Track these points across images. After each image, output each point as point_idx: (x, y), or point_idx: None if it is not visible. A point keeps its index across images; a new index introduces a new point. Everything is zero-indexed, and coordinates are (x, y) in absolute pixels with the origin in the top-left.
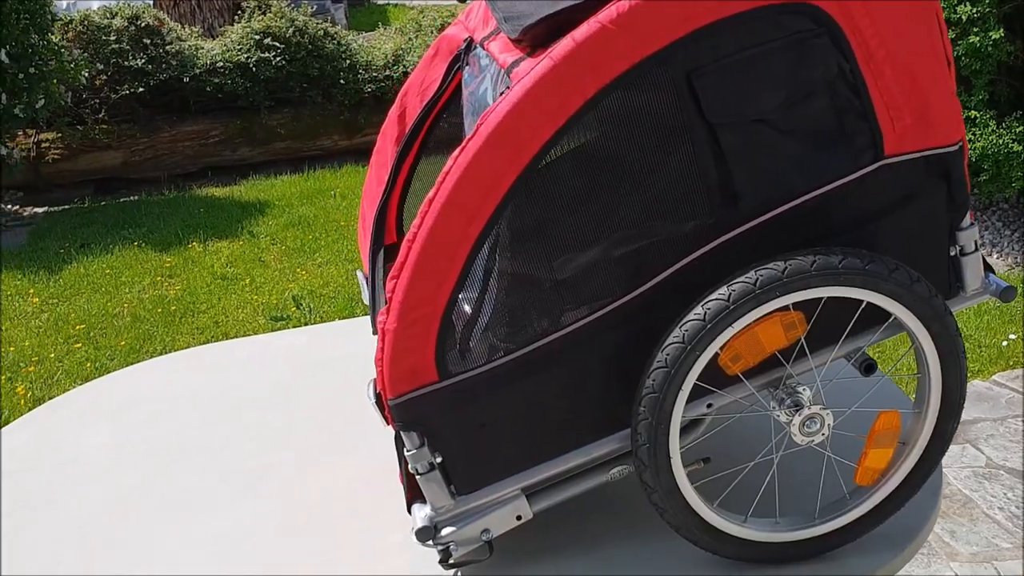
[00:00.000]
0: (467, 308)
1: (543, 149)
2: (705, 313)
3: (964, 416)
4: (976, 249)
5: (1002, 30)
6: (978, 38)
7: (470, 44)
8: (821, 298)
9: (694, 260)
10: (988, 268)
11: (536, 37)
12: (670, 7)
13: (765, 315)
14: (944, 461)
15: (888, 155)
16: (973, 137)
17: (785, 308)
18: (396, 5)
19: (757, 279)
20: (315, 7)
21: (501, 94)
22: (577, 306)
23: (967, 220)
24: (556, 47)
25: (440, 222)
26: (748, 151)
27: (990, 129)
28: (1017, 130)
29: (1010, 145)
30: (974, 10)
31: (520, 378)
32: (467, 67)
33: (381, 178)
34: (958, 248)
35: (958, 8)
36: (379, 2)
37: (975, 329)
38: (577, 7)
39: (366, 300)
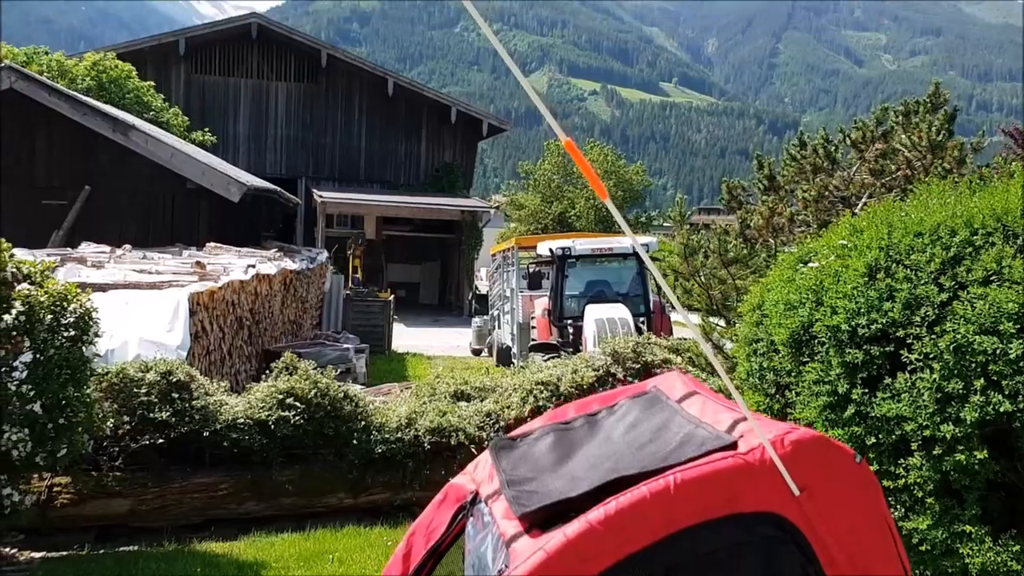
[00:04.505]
0: None
1: None
2: None
3: None
4: None
5: (986, 450)
6: (963, 456)
7: (475, 498)
8: None
9: None
10: None
11: (534, 522)
12: (652, 513)
13: None
14: None
15: None
16: (971, 552)
17: None
18: (415, 355)
19: None
20: (336, 354)
21: (499, 572)
22: None
23: None
24: (550, 538)
25: None
26: None
27: (987, 545)
28: (1014, 548)
29: (1008, 563)
30: (957, 430)
31: None
32: (471, 519)
33: None
34: None
35: (942, 427)
36: (399, 351)
37: None
38: (571, 501)
39: None
